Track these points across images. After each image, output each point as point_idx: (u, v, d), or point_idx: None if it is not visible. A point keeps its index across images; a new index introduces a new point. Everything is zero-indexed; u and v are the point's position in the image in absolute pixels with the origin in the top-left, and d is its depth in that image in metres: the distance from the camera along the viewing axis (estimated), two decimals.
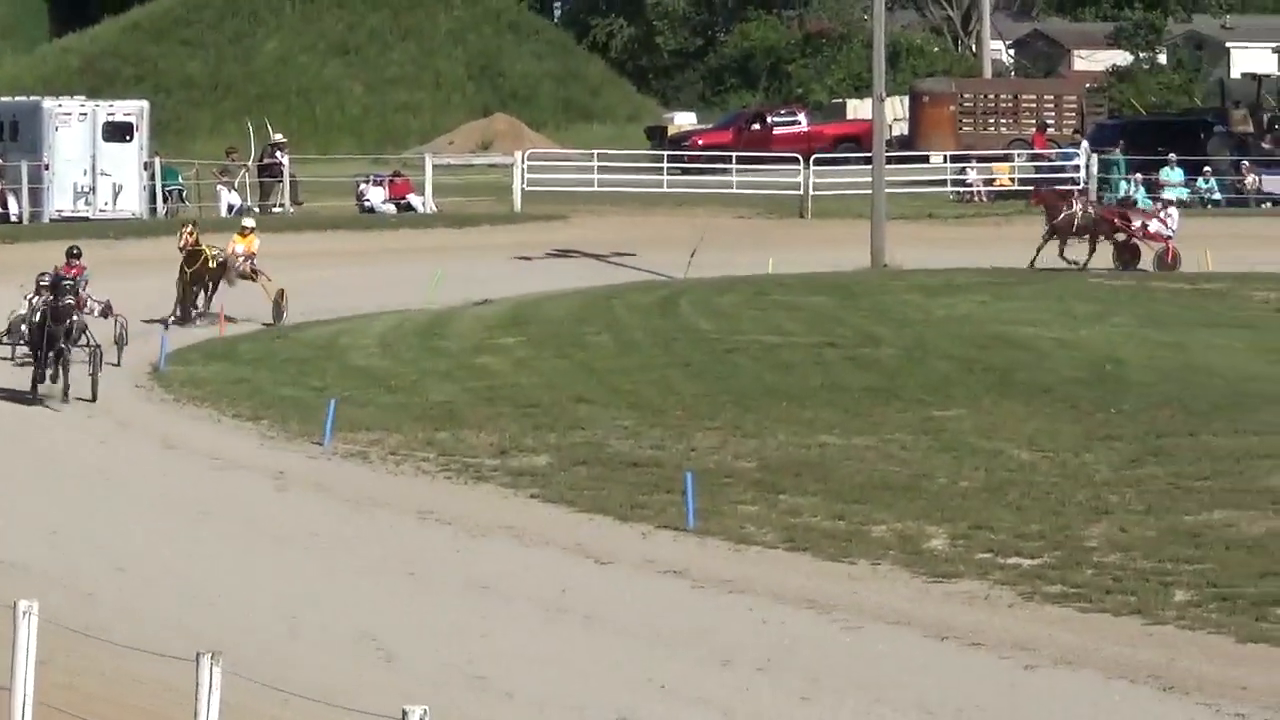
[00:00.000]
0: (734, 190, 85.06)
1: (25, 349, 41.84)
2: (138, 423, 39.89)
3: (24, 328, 39.79)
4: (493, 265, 64.55)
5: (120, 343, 45.69)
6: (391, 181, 79.67)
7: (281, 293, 51.19)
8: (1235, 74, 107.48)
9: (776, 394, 41.22)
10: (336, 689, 19.71)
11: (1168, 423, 37.79)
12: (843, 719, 20.85)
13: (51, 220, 71.23)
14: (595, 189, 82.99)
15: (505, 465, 36.39)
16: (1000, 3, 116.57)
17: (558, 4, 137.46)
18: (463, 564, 28.45)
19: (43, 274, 42.72)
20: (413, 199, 78.68)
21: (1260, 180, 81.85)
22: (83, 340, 40.99)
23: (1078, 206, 64.22)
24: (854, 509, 31.13)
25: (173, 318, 50.07)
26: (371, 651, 23.07)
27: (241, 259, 51.98)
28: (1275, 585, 25.42)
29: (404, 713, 12.26)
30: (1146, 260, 64.68)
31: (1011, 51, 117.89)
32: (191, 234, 51.48)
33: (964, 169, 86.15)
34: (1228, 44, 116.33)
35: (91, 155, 75.82)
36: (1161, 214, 67.38)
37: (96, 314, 42.43)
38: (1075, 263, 62.71)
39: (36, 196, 73.65)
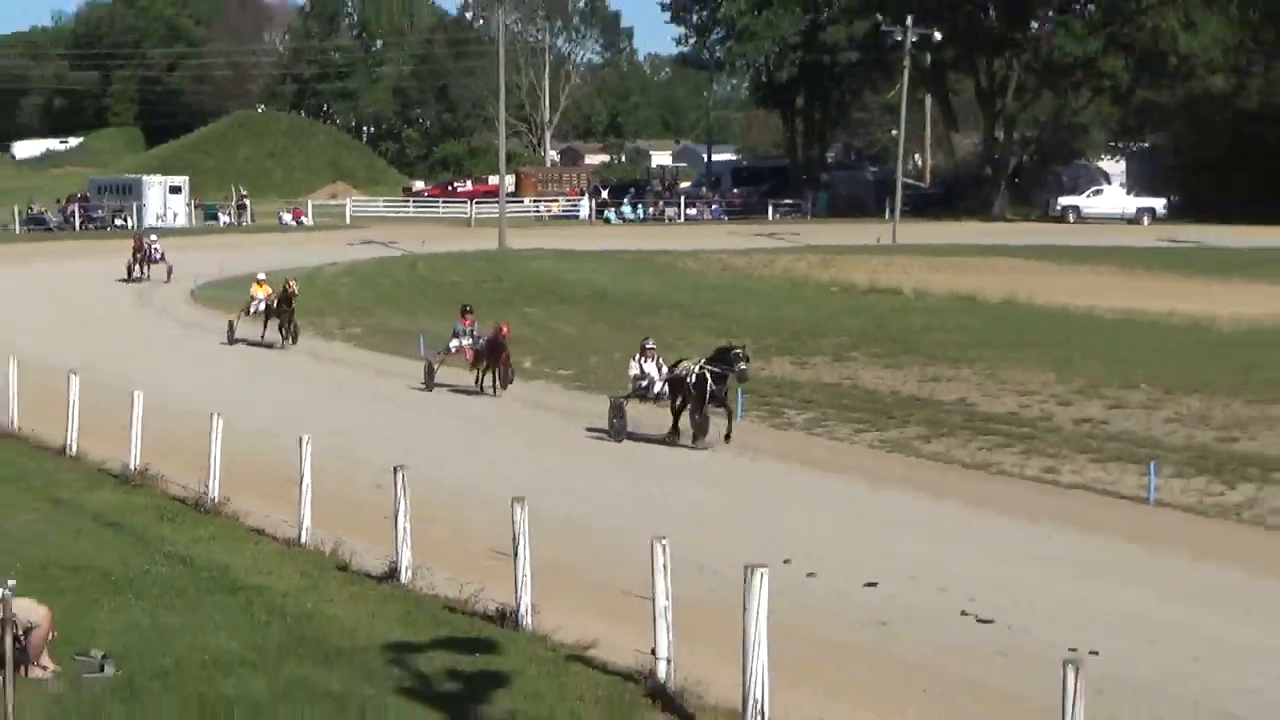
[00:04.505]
0: (441, 215, 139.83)
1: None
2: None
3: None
4: (337, 248, 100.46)
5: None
6: (295, 210, 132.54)
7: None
8: (654, 163, 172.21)
9: (456, 299, 61.49)
10: None
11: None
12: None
13: (144, 227, 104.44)
14: (380, 215, 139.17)
15: (346, 332, 61.87)
16: (554, 132, 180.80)
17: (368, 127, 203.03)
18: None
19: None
20: (303, 219, 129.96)
21: (665, 210, 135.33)
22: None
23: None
24: None
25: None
26: None
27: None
28: None
29: None
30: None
31: (555, 153, 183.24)
32: (293, 287, 57.16)
33: (539, 208, 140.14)
34: (651, 151, 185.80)
35: (163, 201, 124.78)
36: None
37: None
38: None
39: (139, 217, 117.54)
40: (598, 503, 30.83)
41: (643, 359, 39.44)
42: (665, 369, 38.91)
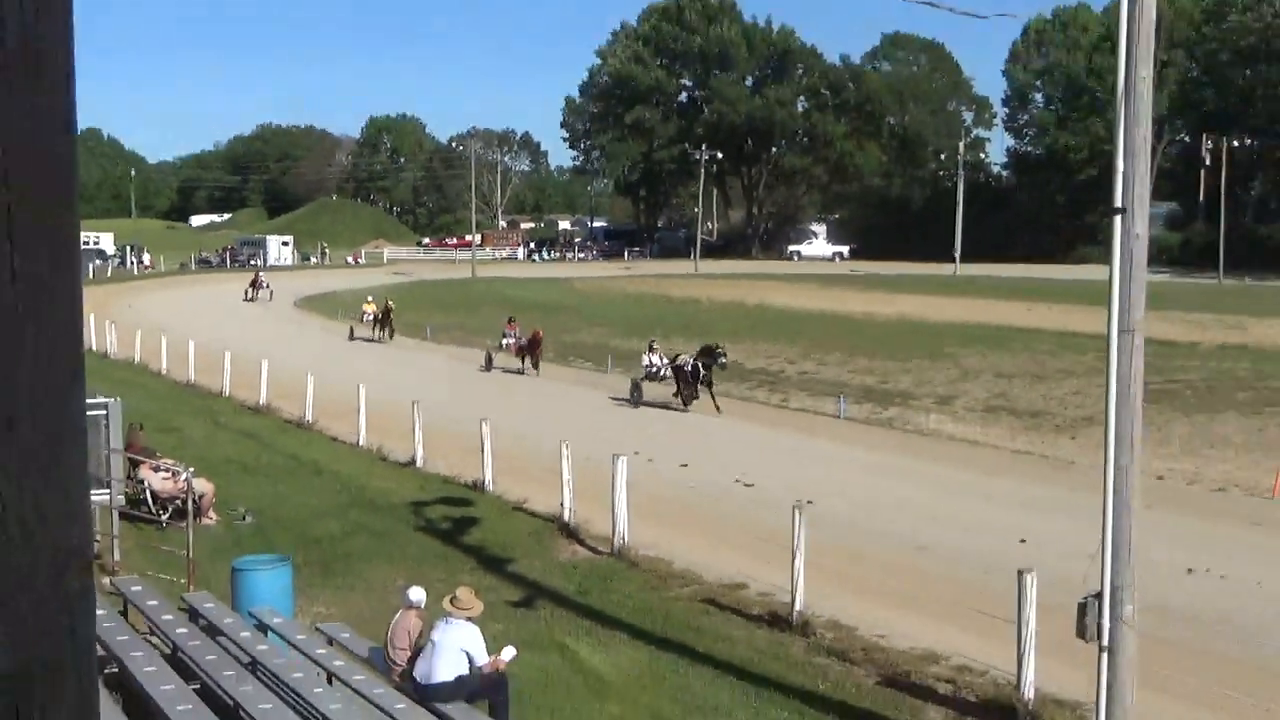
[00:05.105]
0: (439, 258, 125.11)
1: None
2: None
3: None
4: (380, 276, 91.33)
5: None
6: (354, 254, 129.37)
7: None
8: (561, 227, 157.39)
9: (454, 306, 49.35)
10: None
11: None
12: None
13: (258, 268, 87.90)
14: (404, 258, 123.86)
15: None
16: (503, 209, 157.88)
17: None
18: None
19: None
20: (360, 260, 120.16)
21: (566, 254, 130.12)
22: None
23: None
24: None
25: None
26: None
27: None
28: None
29: None
30: None
31: (504, 221, 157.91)
32: (384, 303, 52.97)
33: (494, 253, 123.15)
34: (559, 220, 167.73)
35: (278, 250, 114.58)
36: None
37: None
38: None
39: (264, 260, 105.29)
40: (543, 425, 29.89)
41: (650, 353, 35.63)
42: (666, 359, 34.70)
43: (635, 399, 34.33)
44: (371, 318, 53.37)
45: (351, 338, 52.29)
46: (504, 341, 42.50)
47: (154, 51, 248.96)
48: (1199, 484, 23.61)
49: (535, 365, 40.70)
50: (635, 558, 17.87)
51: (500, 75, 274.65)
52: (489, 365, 42.34)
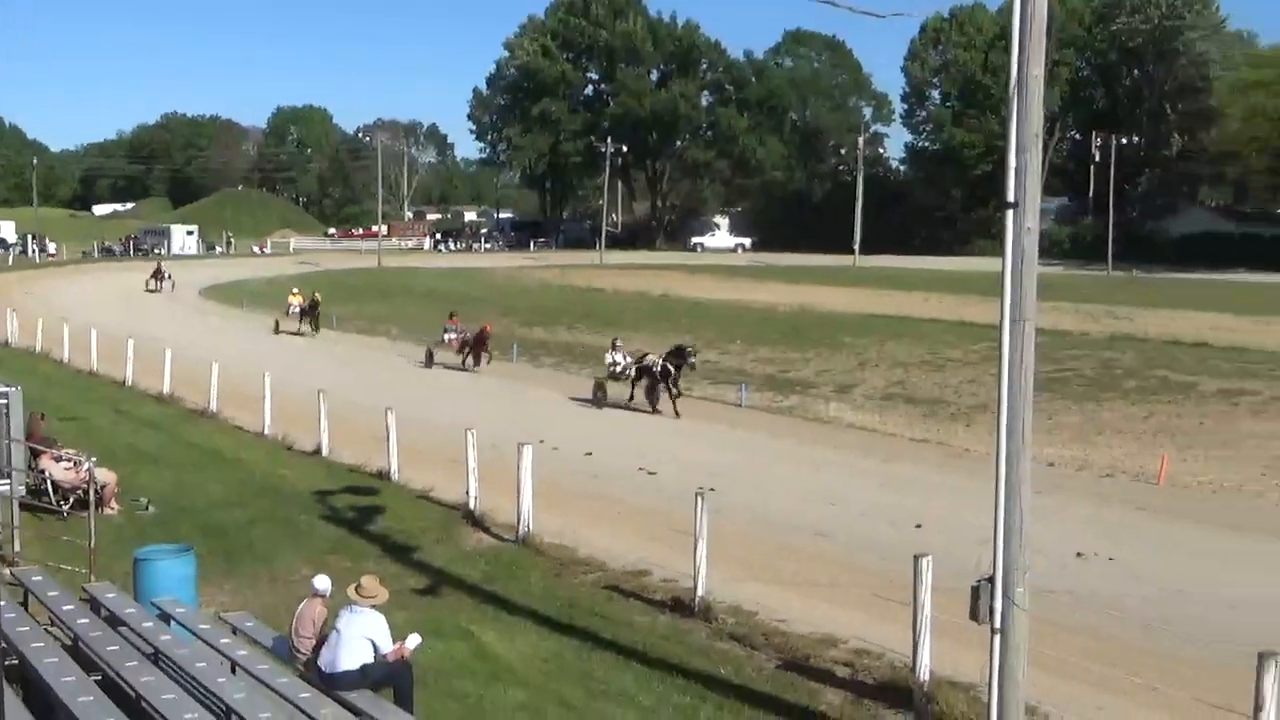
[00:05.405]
0: (346, 249, 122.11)
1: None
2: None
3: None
4: (286, 266, 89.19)
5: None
6: (260, 244, 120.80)
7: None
8: (467, 218, 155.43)
9: (364, 296, 60.44)
10: None
11: None
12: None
13: (161, 259, 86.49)
14: (311, 248, 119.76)
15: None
16: (410, 200, 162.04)
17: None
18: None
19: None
20: (266, 250, 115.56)
21: (473, 245, 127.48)
22: None
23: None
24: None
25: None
26: None
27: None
28: None
29: None
30: None
31: (410, 213, 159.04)
32: (310, 295, 50.60)
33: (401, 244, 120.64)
34: (465, 211, 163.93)
35: (182, 240, 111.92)
36: None
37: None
38: None
39: (169, 249, 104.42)
40: (452, 413, 29.32)
41: (614, 351, 33.06)
42: (630, 358, 32.50)
43: (599, 399, 32.25)
44: (297, 310, 50.92)
45: (276, 331, 50.35)
46: (445, 337, 40.59)
47: (57, 37, 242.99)
48: (1088, 470, 24.06)
49: (477, 361, 38.82)
50: (541, 545, 17.80)
51: (408, 67, 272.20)
52: (429, 362, 40.31)
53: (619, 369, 32.63)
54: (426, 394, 32.86)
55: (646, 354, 32.14)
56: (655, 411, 30.79)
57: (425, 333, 43.67)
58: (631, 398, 31.78)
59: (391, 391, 29.90)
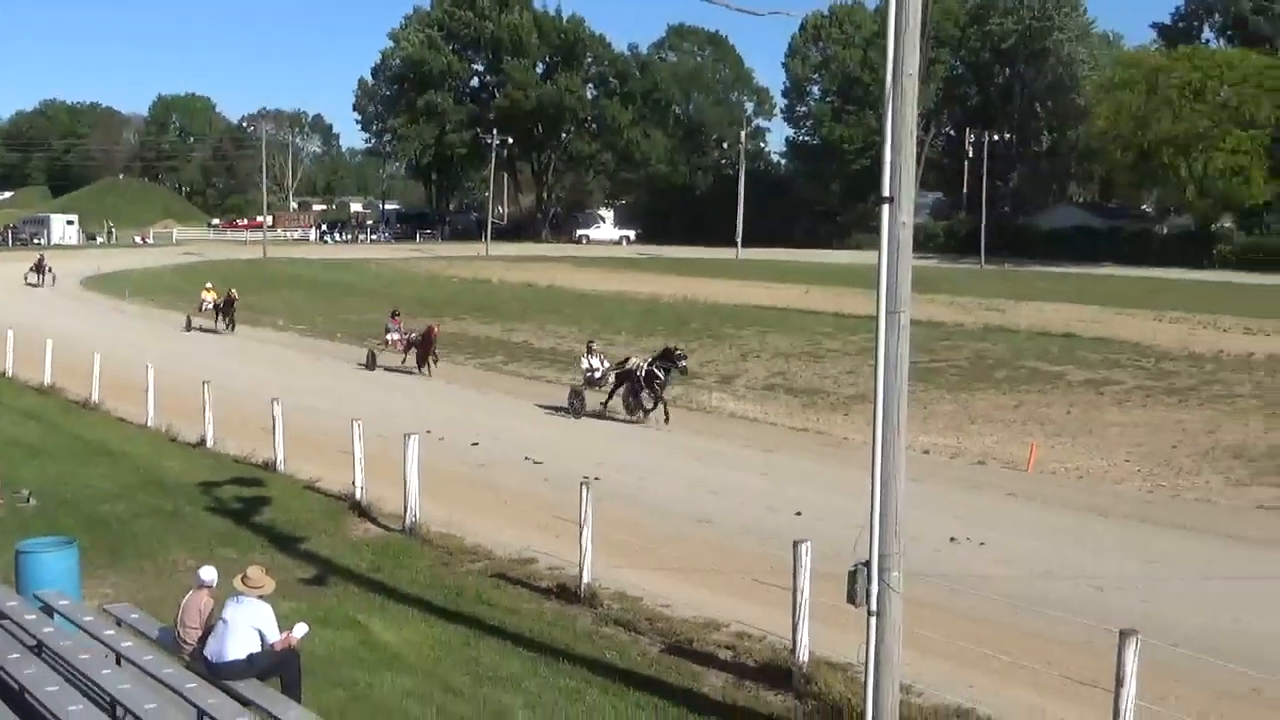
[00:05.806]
0: (229, 239, 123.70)
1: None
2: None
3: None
4: (169, 256, 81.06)
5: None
6: (142, 234, 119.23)
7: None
8: (353, 209, 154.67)
9: (250, 286, 54.64)
10: None
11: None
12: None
13: (41, 251, 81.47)
14: (194, 239, 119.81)
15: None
16: (295, 191, 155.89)
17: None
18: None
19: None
20: (148, 240, 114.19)
21: (359, 236, 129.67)
22: None
23: None
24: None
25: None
26: None
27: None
28: None
29: None
30: None
31: (295, 203, 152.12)
32: (226, 291, 47.45)
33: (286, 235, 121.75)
34: (351, 202, 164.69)
35: (63, 229, 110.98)
36: None
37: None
38: None
39: (49, 238, 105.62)
40: (350, 406, 28.78)
41: (590, 356, 30.65)
42: (608, 362, 30.42)
43: (576, 408, 29.52)
44: (211, 306, 48.11)
45: (189, 328, 47.38)
46: (388, 338, 38.22)
47: None
48: (961, 458, 24.50)
49: (420, 363, 35.96)
50: (427, 535, 17.74)
51: (292, 55, 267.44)
52: (372, 364, 37.52)
53: (597, 374, 30.23)
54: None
55: (629, 358, 29.97)
56: (634, 420, 28.50)
57: (313, 325, 43.10)
58: (606, 404, 29.32)
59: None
